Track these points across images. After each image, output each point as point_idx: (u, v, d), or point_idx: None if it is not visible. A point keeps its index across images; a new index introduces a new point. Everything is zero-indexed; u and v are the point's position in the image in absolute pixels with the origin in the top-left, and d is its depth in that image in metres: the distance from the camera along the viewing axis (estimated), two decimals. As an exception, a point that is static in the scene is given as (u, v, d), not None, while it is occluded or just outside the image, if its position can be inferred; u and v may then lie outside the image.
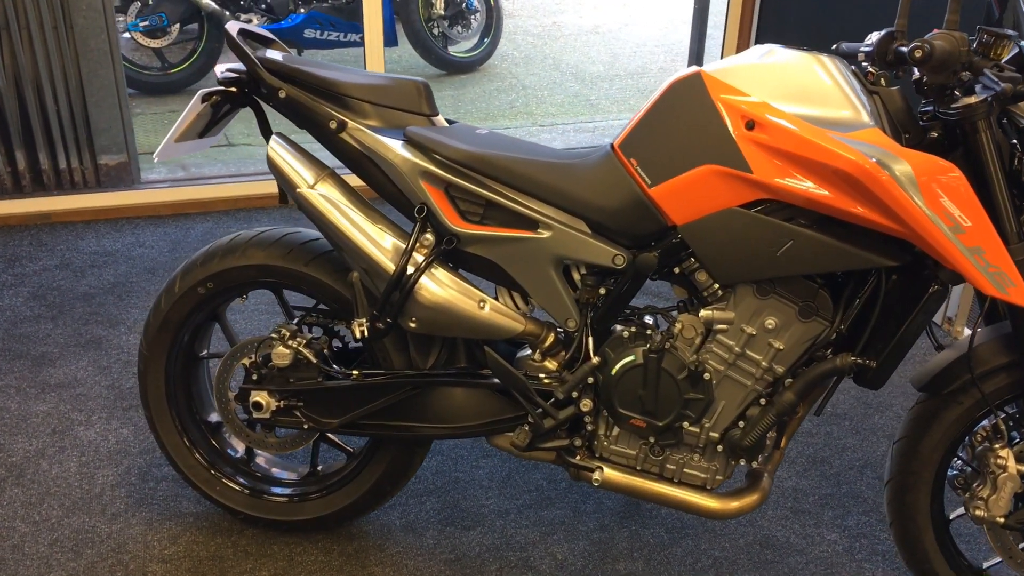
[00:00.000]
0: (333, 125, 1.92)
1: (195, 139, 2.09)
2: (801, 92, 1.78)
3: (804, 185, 1.73)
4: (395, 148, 1.90)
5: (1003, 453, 1.90)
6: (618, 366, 1.93)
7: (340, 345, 2.23)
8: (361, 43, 5.75)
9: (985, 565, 2.08)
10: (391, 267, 1.91)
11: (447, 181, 1.90)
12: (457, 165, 1.89)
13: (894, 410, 2.85)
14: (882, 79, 1.84)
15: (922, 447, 1.96)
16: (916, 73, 1.84)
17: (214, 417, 2.32)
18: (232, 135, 5.03)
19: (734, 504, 2.00)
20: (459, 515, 2.38)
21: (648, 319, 2.02)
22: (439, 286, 1.91)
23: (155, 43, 5.67)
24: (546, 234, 1.90)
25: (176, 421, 2.25)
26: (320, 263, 2.06)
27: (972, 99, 1.71)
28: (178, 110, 5.42)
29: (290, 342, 2.07)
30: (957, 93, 1.75)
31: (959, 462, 2.00)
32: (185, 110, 2.01)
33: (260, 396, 2.10)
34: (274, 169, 1.95)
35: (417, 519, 2.36)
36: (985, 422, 1.95)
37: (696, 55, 5.29)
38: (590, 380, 1.96)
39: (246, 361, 2.14)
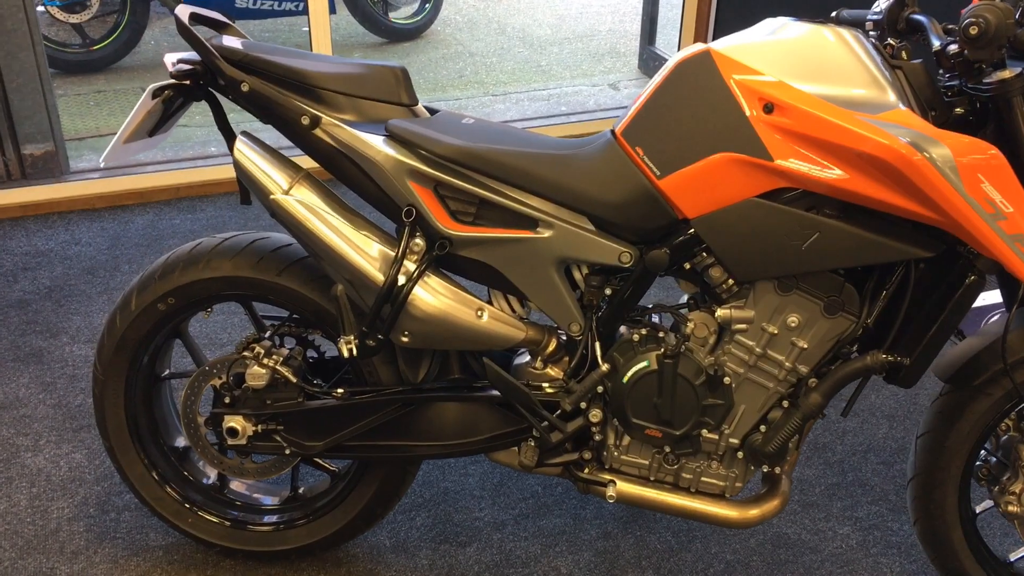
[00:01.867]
0: (305, 121, 1.72)
1: (144, 138, 1.87)
2: (821, 70, 1.63)
3: (831, 172, 1.59)
4: (377, 145, 1.71)
5: (1034, 446, 1.80)
6: (630, 373, 1.78)
7: (315, 355, 2.04)
8: (296, 12, 5.46)
9: (1012, 558, 1.99)
10: (380, 277, 1.72)
11: (436, 179, 1.72)
12: (446, 161, 1.70)
13: (890, 389, 2.76)
14: (903, 52, 1.70)
15: (950, 442, 1.85)
16: (936, 44, 1.70)
17: (181, 442, 2.11)
18: (165, 116, 4.73)
19: (755, 512, 1.87)
20: (452, 530, 2.22)
21: (656, 319, 1.87)
22: (434, 296, 1.73)
23: (74, 18, 5.30)
24: (547, 233, 1.73)
25: (140, 450, 2.04)
26: (294, 272, 1.86)
27: (1007, 73, 1.58)
28: (105, 90, 5.08)
29: (265, 360, 1.88)
30: (986, 67, 1.62)
31: (984, 453, 1.90)
32: (134, 108, 1.78)
33: (235, 421, 1.91)
34: (243, 174, 1.74)
35: (408, 537, 2.20)
36: (1012, 413, 1.85)
37: (650, 17, 5.12)
38: (599, 389, 1.81)
39: (216, 382, 1.94)
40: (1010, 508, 1.83)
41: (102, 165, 1.90)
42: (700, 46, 1.72)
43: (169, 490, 2.06)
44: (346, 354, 1.74)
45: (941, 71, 1.71)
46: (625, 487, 1.87)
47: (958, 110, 1.66)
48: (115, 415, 2.00)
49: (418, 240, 1.73)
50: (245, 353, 1.89)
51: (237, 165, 1.74)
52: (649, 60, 5.13)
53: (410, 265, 1.72)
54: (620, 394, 1.79)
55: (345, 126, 1.71)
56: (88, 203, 3.75)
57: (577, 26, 5.99)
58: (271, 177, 1.72)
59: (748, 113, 1.63)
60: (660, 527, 2.24)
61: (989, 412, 1.82)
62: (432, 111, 1.85)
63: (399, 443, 1.91)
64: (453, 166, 1.71)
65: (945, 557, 1.94)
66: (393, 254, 1.73)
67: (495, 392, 1.86)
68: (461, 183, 1.71)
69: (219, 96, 1.83)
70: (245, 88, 1.72)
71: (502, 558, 2.14)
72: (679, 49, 4.29)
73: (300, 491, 2.11)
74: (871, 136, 1.54)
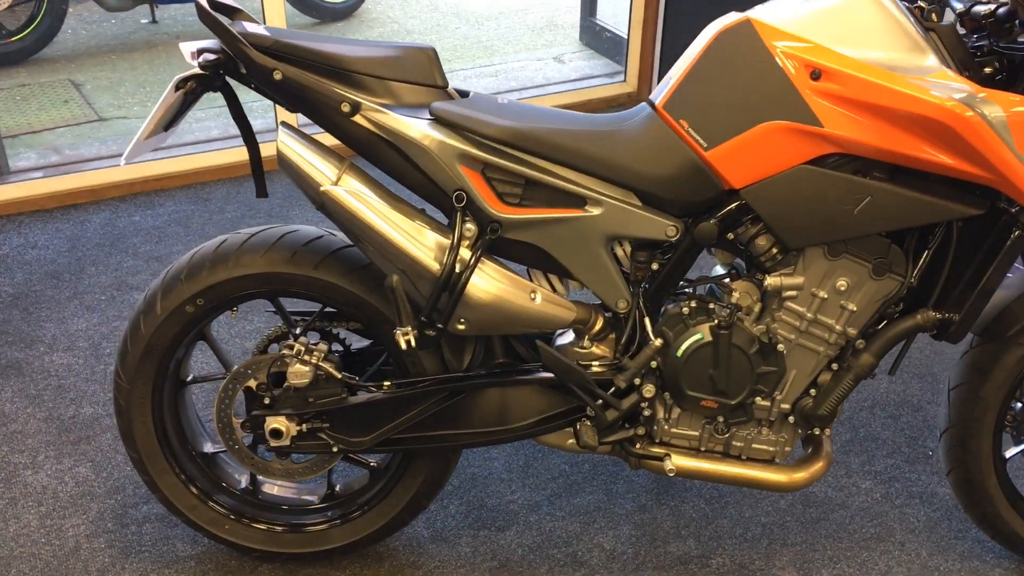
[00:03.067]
0: (346, 108, 1.65)
1: (161, 132, 1.78)
2: (863, 34, 1.64)
3: (883, 136, 1.61)
4: (423, 129, 1.65)
5: (1066, 390, 1.87)
6: (684, 346, 1.78)
7: (340, 348, 1.98)
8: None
9: (1037, 498, 2.08)
10: (436, 266, 1.67)
11: (485, 162, 1.68)
12: (496, 143, 1.67)
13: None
14: (933, 14, 1.73)
15: (984, 392, 1.91)
16: (960, 6, 1.74)
17: (209, 447, 2.04)
18: (100, 108, 4.52)
19: (803, 474, 1.91)
20: (488, 516, 2.20)
21: (699, 292, 1.88)
22: (489, 282, 1.70)
23: (-13, 9, 5.00)
24: (596, 211, 1.71)
25: (170, 459, 1.96)
26: (331, 264, 1.80)
27: None
28: (29, 83, 4.82)
29: (307, 357, 1.82)
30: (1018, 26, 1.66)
31: (1018, 403, 1.97)
32: (159, 102, 1.69)
33: (277, 422, 1.84)
34: (288, 167, 1.67)
35: (445, 527, 2.17)
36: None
37: (590, -12, 5.11)
38: (652, 364, 1.81)
39: (251, 383, 1.87)
40: (1044, 452, 1.90)
41: (123, 164, 1.79)
42: (737, 15, 1.72)
43: (203, 497, 1.99)
44: (403, 346, 1.70)
45: (965, 32, 1.75)
46: (680, 459, 1.88)
47: (987, 70, 1.70)
48: (143, 424, 1.91)
49: (469, 225, 1.69)
50: (285, 351, 1.82)
51: (282, 158, 1.66)
52: (591, 32, 5.12)
53: (465, 252, 1.68)
54: (674, 368, 1.79)
55: (387, 111, 1.66)
56: (37, 204, 3.56)
57: (515, 2, 5.95)
58: (319, 168, 1.66)
59: (795, 81, 1.64)
60: (693, 496, 2.26)
61: (1021, 361, 1.89)
62: (462, 93, 1.80)
63: (448, 432, 1.88)
64: (503, 147, 1.67)
65: (981, 504, 2.01)
66: (447, 241, 1.68)
67: (543, 375, 1.84)
68: (511, 164, 1.68)
69: (235, 86, 1.75)
70: (278, 76, 1.64)
71: (543, 539, 2.13)
72: (630, 21, 4.30)
73: (337, 488, 2.06)
74: (925, 98, 1.56)
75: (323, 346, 1.86)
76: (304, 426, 1.86)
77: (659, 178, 1.71)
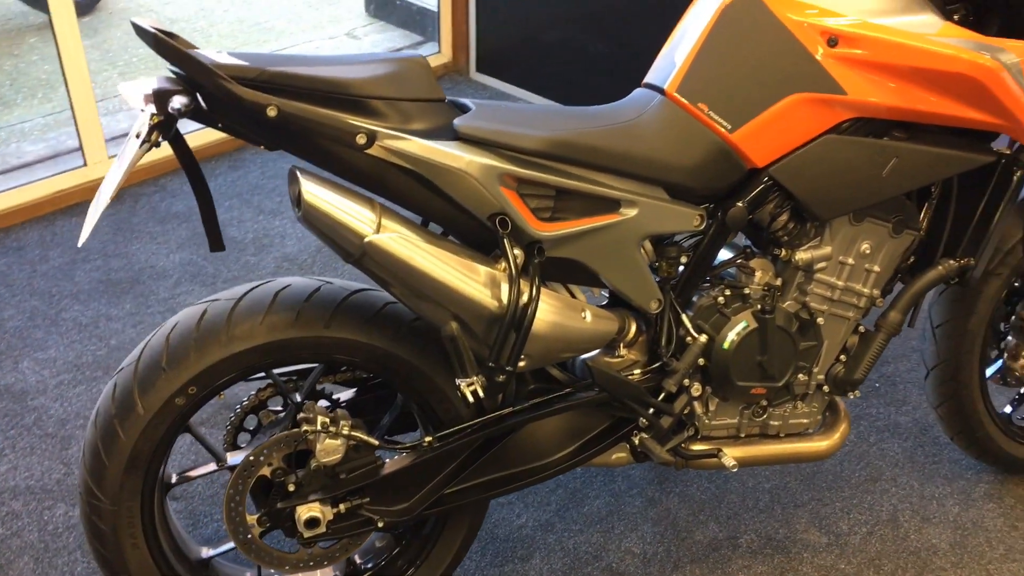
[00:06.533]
0: (362, 140, 1.40)
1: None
2: (866, -4, 1.62)
3: (906, 97, 1.61)
4: (456, 152, 1.44)
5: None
6: (731, 337, 1.71)
7: (327, 404, 1.74)
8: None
9: (1008, 410, 2.22)
10: (495, 304, 1.48)
11: (523, 178, 1.50)
12: (533, 156, 1.50)
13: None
14: (906, -33, 1.73)
15: (971, 325, 2.00)
16: None
17: (206, 552, 1.73)
18: None
19: (837, 436, 1.92)
20: (506, 547, 2.04)
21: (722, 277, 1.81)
22: (548, 310, 1.53)
23: None
24: (631, 212, 1.59)
25: (170, 579, 1.64)
26: (343, 319, 1.56)
27: None
28: None
29: (332, 428, 1.57)
30: None
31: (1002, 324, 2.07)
32: (118, 163, 1.37)
33: (312, 510, 1.59)
34: (320, 221, 1.39)
35: (468, 569, 1.99)
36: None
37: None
38: (701, 361, 1.73)
39: (265, 471, 1.59)
40: (1029, 368, 2.02)
41: (81, 244, 1.44)
42: (740, -15, 1.64)
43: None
44: (471, 398, 1.50)
45: None
46: (733, 451, 1.82)
47: (955, 17, 1.73)
48: (135, 548, 1.58)
49: (516, 251, 1.51)
50: (307, 427, 1.56)
51: (315, 212, 1.38)
52: (377, 2, 4.87)
53: (523, 283, 1.50)
54: (723, 361, 1.72)
55: (409, 136, 1.43)
56: None
57: (272, -25, 5.53)
58: (357, 217, 1.40)
59: (813, 50, 1.60)
60: (694, 477, 2.22)
61: (1000, 290, 1.98)
62: (458, 103, 1.59)
63: (493, 477, 1.70)
64: (538, 160, 1.50)
65: (972, 429, 2.11)
66: (498, 274, 1.49)
67: (587, 395, 1.70)
68: (549, 176, 1.52)
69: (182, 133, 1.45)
70: (272, 113, 1.36)
71: (572, 558, 2.01)
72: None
73: (358, 561, 1.82)
74: (949, 53, 1.57)
75: (343, 411, 1.61)
76: (341, 506, 1.61)
77: (686, 167, 1.61)
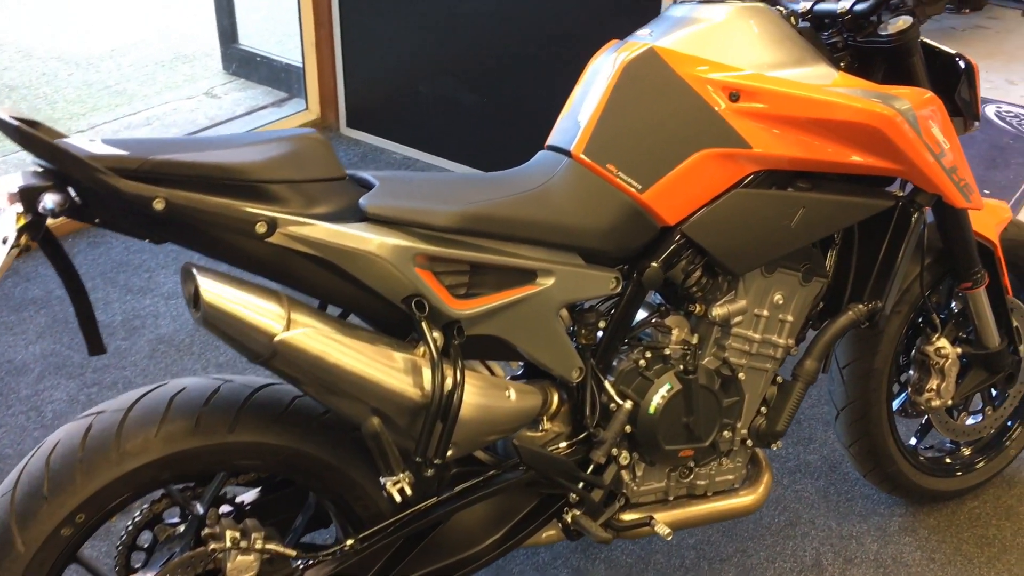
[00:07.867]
0: (262, 229, 1.29)
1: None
2: (763, 50, 1.64)
3: (809, 148, 1.61)
4: (365, 235, 1.34)
5: (940, 343, 2.03)
6: (655, 400, 1.66)
7: (230, 508, 1.60)
8: None
9: (912, 442, 2.25)
10: (418, 393, 1.38)
11: (437, 256, 1.41)
12: (443, 233, 1.41)
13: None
14: (792, 17, 1.75)
15: (876, 364, 2.02)
16: (806, 5, 1.78)
17: None
18: None
19: (762, 489, 1.90)
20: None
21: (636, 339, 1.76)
22: (473, 394, 1.44)
23: None
24: (548, 281, 1.53)
25: None
26: (248, 420, 1.43)
27: (901, 23, 1.71)
28: None
29: (244, 543, 1.42)
30: (882, 19, 1.73)
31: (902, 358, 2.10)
32: (-10, 272, 1.21)
33: (230, 640, 1.43)
34: (224, 322, 1.25)
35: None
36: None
37: (227, 12, 4.67)
38: (627, 428, 1.67)
39: (170, 601, 1.43)
40: (934, 403, 2.05)
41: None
42: (639, 44, 1.62)
43: None
44: (399, 498, 1.38)
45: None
46: (664, 516, 1.76)
47: (842, 64, 1.75)
48: None
49: (435, 334, 1.41)
50: (214, 545, 1.41)
51: (213, 313, 1.25)
52: (238, 59, 4.69)
53: (444, 366, 1.40)
54: (650, 425, 1.67)
55: (313, 221, 1.32)
56: None
57: (115, 38, 5.25)
58: (264, 315, 1.27)
59: (716, 105, 1.58)
60: (619, 542, 2.14)
61: (901, 327, 2.01)
62: (359, 179, 1.50)
63: (428, 570, 1.59)
64: (451, 235, 1.42)
65: (884, 465, 2.13)
66: (416, 360, 1.39)
67: (515, 475, 1.62)
68: (464, 252, 1.44)
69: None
70: (159, 206, 1.23)
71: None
72: (302, 45, 3.98)
73: None
74: (848, 103, 1.58)
75: (252, 522, 1.47)
76: (261, 629, 1.47)
77: (600, 230, 1.57)
